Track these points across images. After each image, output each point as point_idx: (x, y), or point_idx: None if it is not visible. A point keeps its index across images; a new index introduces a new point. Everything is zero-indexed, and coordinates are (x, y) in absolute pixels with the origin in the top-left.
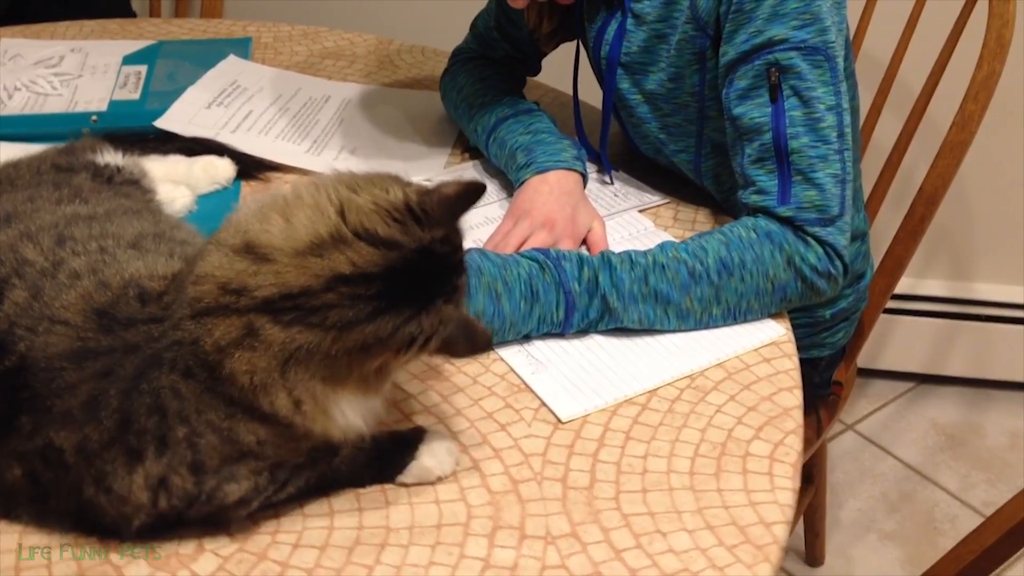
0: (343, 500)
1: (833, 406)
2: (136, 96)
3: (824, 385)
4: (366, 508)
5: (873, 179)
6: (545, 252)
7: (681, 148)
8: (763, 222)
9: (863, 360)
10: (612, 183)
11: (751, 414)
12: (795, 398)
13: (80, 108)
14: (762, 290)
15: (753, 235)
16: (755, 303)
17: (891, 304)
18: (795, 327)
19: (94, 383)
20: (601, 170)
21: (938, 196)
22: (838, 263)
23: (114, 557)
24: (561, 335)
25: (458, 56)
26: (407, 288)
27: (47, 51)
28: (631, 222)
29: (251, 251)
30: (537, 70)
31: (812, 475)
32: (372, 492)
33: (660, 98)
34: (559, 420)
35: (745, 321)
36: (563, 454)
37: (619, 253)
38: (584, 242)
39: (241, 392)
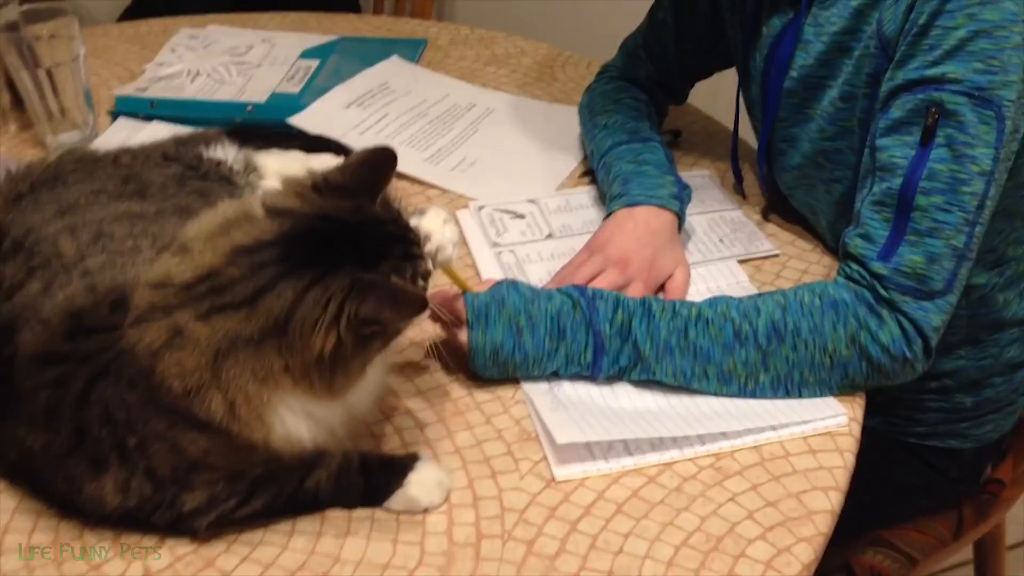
0: (307, 521)
1: (986, 507)
2: (296, 90)
3: (968, 481)
4: (325, 534)
5: None
6: (582, 290)
7: (836, 178)
8: (834, 289)
9: None
10: (743, 195)
11: (767, 510)
12: (830, 502)
13: (246, 98)
14: (818, 364)
15: (816, 302)
16: (810, 377)
17: None
18: (928, 410)
19: (51, 391)
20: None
21: None
22: (918, 345)
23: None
24: (592, 379)
25: (602, 74)
26: (309, 254)
27: (239, 40)
28: (724, 273)
29: (180, 248)
30: (681, 99)
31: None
32: (337, 519)
33: (827, 118)
34: (553, 477)
35: (800, 396)
36: (542, 515)
37: (664, 300)
38: (661, 289)
39: (176, 399)
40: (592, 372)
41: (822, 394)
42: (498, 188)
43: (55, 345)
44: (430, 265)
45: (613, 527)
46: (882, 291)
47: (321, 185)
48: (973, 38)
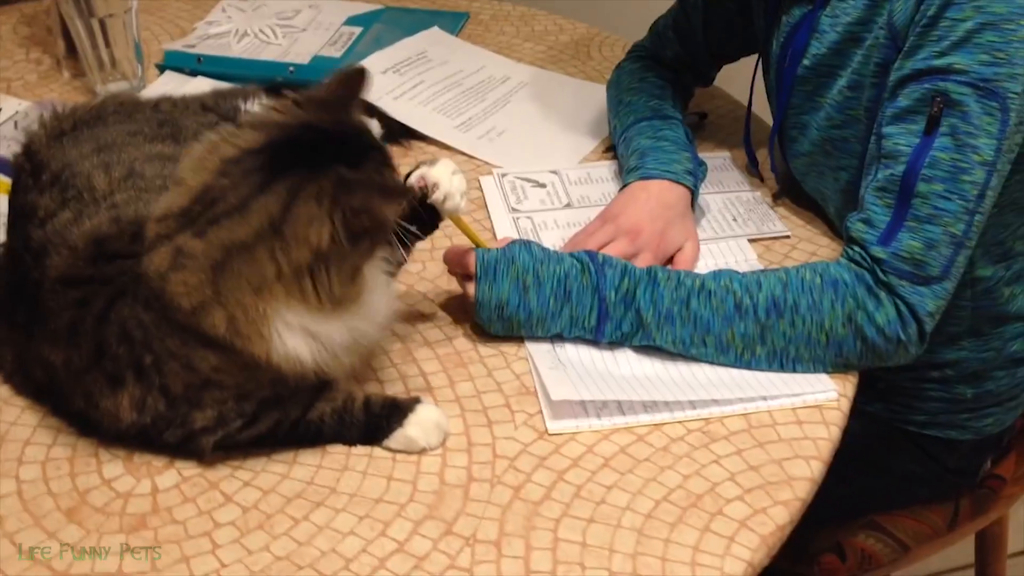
0: (308, 455)
1: (984, 501)
2: (338, 55)
3: (966, 473)
4: (324, 467)
5: None
6: (592, 255)
7: (842, 165)
8: (835, 269)
9: None
10: (760, 178)
11: (748, 474)
12: (811, 470)
13: (289, 59)
14: (814, 340)
15: (817, 280)
16: (805, 352)
17: None
18: (928, 399)
19: (74, 310)
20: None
21: None
22: (912, 329)
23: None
24: (595, 342)
25: (631, 53)
26: (296, 158)
27: (287, 4)
28: (735, 250)
29: (176, 181)
30: (708, 81)
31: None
32: (337, 454)
33: (835, 107)
34: (546, 430)
35: (795, 370)
36: (531, 464)
37: (670, 270)
38: (670, 261)
39: (186, 317)
40: (595, 336)
41: (816, 370)
42: (522, 158)
43: (79, 269)
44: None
45: (598, 479)
46: (881, 274)
47: (301, 100)
48: (980, 30)
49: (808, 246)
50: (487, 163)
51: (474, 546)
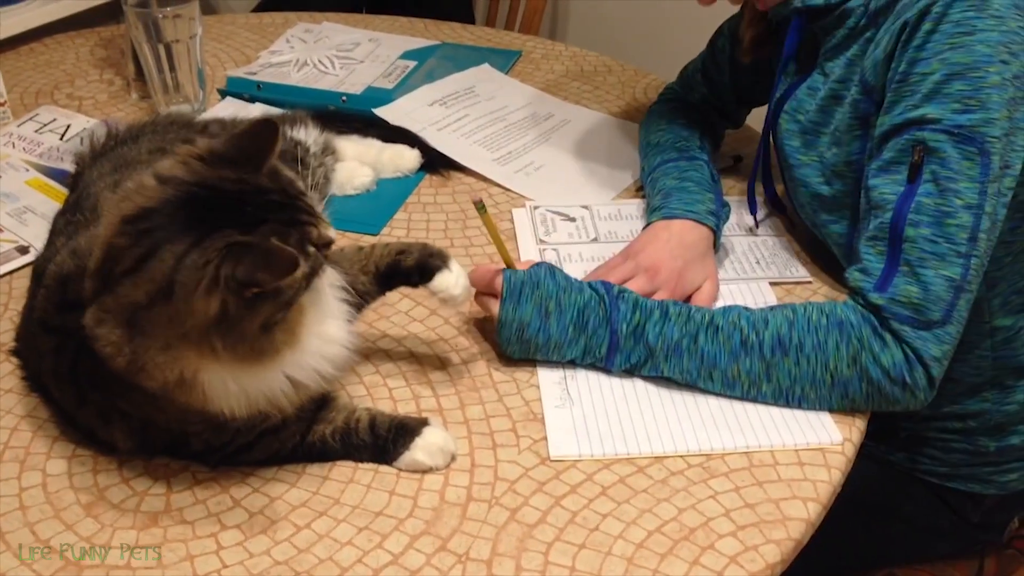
0: (316, 467)
1: (1010, 563)
2: (390, 87)
3: (990, 529)
4: (330, 478)
5: None
6: (608, 287)
7: (835, 219)
8: (842, 309)
9: None
10: (756, 228)
11: (744, 511)
12: (807, 512)
13: (343, 89)
14: (819, 380)
15: (823, 320)
16: (811, 392)
17: None
18: (951, 451)
19: (53, 356)
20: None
21: None
22: (919, 372)
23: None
24: (607, 371)
25: (662, 95)
26: (190, 220)
27: (348, 37)
28: (756, 292)
29: (97, 236)
30: (738, 122)
31: None
32: (344, 468)
33: (822, 164)
34: (548, 456)
35: (800, 407)
36: (530, 488)
37: (682, 305)
38: (688, 300)
39: (122, 373)
40: (606, 365)
41: (821, 409)
42: (557, 193)
43: (51, 316)
44: (331, 233)
45: (594, 507)
46: (882, 320)
47: (205, 155)
48: (947, 80)
49: (829, 291)
50: (522, 196)
51: (466, 563)
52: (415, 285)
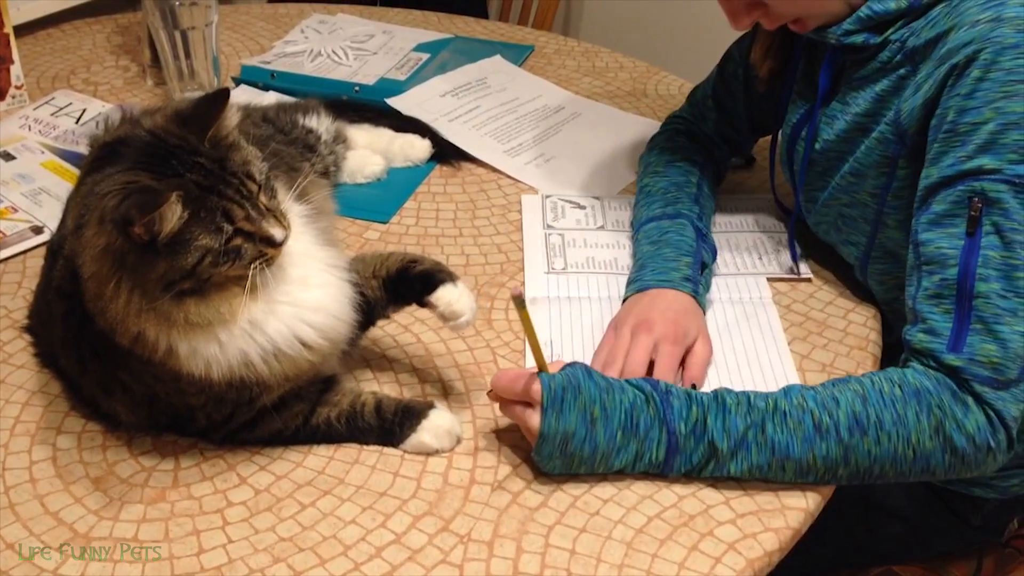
0: (322, 447)
1: (1008, 562)
2: (402, 78)
3: (991, 531)
4: (336, 459)
5: None
6: (654, 383)
7: (852, 241)
8: (913, 376)
9: None
10: (798, 273)
11: (743, 499)
12: (807, 502)
13: (356, 79)
14: (900, 457)
15: (898, 391)
16: (890, 471)
17: None
18: None
19: (63, 321)
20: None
21: None
22: (1001, 435)
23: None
24: (662, 476)
25: (668, 124)
26: (126, 159)
27: (362, 28)
28: (751, 287)
29: None
30: (747, 152)
31: None
32: (349, 448)
33: (841, 189)
34: None
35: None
36: (533, 472)
37: (736, 393)
38: (682, 364)
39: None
40: (662, 470)
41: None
42: (564, 185)
43: (66, 282)
44: (274, 231)
45: (595, 492)
46: (961, 382)
47: (174, 113)
48: (1004, 131)
49: (829, 290)
50: (531, 186)
51: (467, 544)
52: (419, 297)
